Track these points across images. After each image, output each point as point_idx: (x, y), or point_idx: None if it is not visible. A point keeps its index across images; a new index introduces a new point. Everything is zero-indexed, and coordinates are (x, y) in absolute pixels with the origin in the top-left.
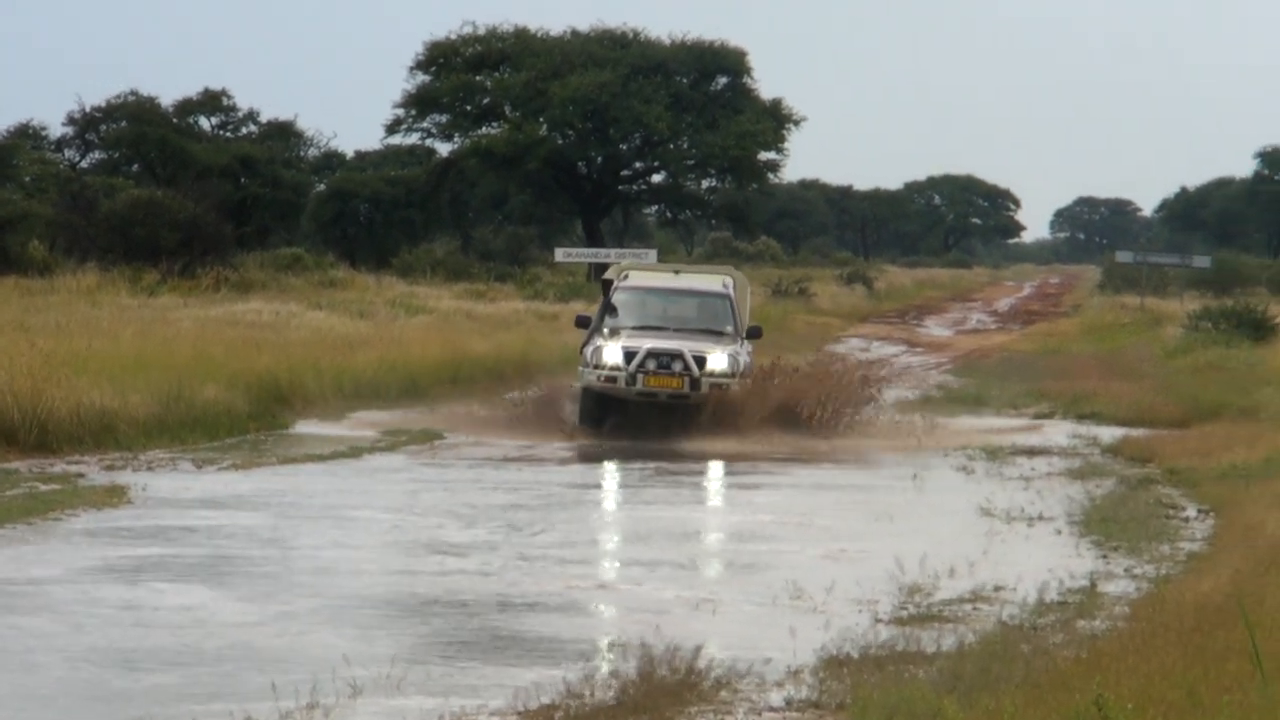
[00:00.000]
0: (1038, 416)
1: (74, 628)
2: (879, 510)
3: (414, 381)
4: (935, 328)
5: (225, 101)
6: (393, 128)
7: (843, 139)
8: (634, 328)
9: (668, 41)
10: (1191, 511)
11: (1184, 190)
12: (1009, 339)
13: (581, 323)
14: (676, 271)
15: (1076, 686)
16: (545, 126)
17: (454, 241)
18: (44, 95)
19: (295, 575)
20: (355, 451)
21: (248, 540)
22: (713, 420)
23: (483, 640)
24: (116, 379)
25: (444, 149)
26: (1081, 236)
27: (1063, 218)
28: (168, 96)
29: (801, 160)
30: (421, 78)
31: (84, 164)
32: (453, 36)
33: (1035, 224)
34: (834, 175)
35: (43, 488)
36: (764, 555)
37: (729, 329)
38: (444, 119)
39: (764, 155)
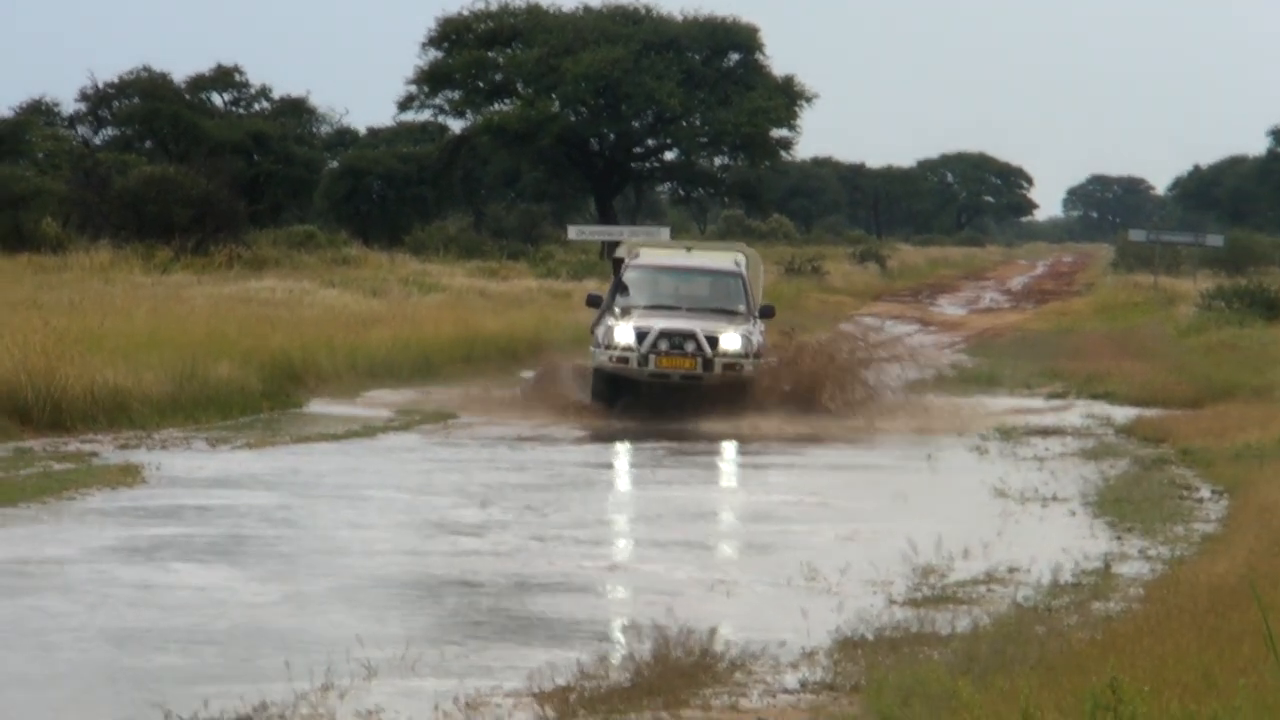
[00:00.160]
0: (1051, 396)
1: (88, 607)
2: (893, 491)
3: (427, 360)
4: (948, 306)
5: (238, 78)
6: (405, 104)
7: (855, 116)
8: (646, 307)
9: (680, 18)
10: (1205, 492)
11: (1197, 169)
12: (1022, 318)
13: (592, 302)
14: (688, 249)
15: (1091, 668)
16: (558, 103)
17: (467, 219)
18: (56, 72)
19: (309, 555)
20: (369, 430)
21: (261, 520)
22: (725, 400)
23: (497, 621)
24: (130, 357)
25: (456, 125)
26: (1094, 215)
27: (1076, 196)
28: (180, 73)
29: (814, 137)
30: (434, 54)
31: (97, 140)
32: (465, 13)
33: (1048, 202)
34: (847, 153)
35: (57, 466)
36: (778, 536)
37: (742, 308)
38: (456, 95)
39: (776, 132)
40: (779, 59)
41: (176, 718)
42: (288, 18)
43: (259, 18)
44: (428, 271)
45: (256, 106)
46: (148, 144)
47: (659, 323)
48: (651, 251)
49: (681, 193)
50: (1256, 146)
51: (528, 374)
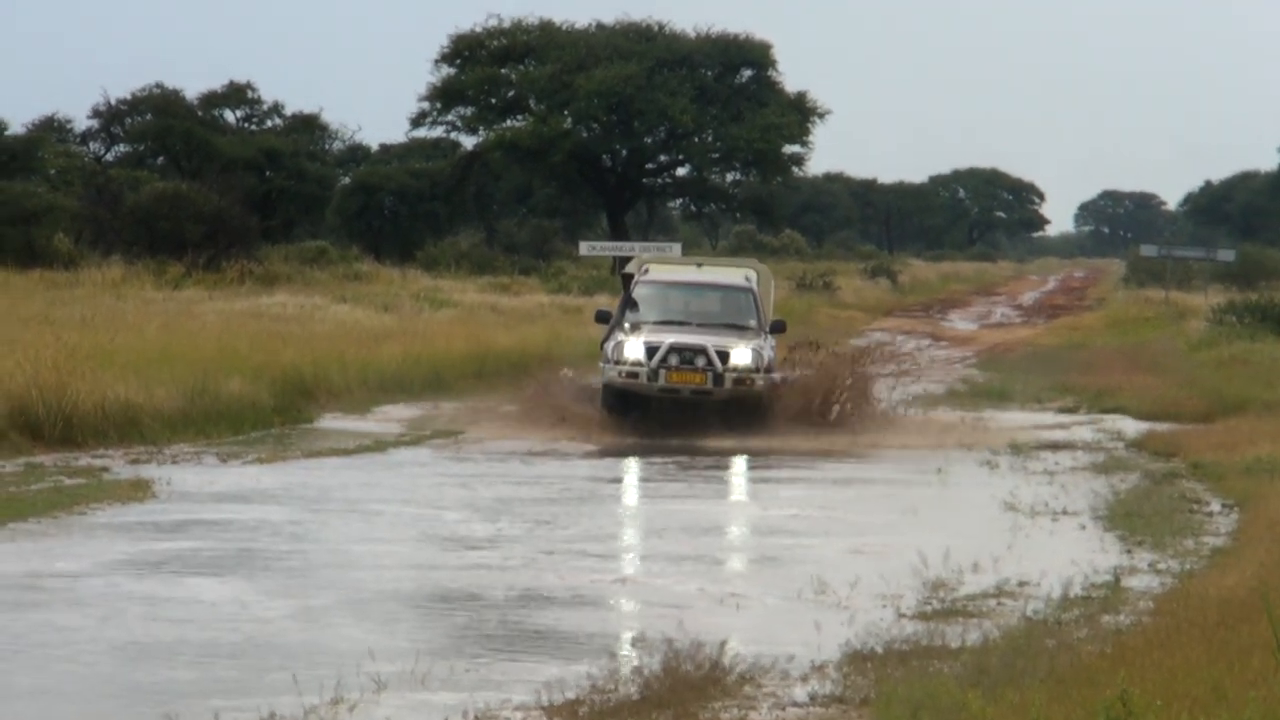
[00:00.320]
0: (1062, 411)
1: (98, 621)
2: (903, 505)
3: (438, 375)
4: (959, 321)
5: (250, 94)
6: (417, 121)
7: (867, 132)
8: (656, 322)
9: (693, 34)
10: (1216, 506)
11: (1208, 184)
12: (1033, 333)
13: (602, 318)
14: (699, 265)
15: (1101, 681)
16: (570, 119)
17: (478, 234)
18: (69, 88)
19: (319, 569)
20: (380, 445)
21: (272, 534)
22: (736, 415)
23: (507, 635)
24: (141, 372)
25: (469, 142)
26: (1106, 230)
27: (1087, 211)
28: (193, 89)
29: (826, 153)
30: (446, 70)
31: (109, 157)
32: (477, 29)
33: (1059, 218)
34: (858, 169)
35: (68, 481)
36: (787, 550)
37: (752, 323)
38: (469, 112)
39: (788, 148)
40: (791, 75)
41: None
42: (300, 34)
43: (271, 34)
44: (439, 287)
45: (269, 123)
46: (160, 160)
47: (669, 338)
48: (661, 267)
49: (693, 208)
50: (1268, 162)
51: (535, 388)
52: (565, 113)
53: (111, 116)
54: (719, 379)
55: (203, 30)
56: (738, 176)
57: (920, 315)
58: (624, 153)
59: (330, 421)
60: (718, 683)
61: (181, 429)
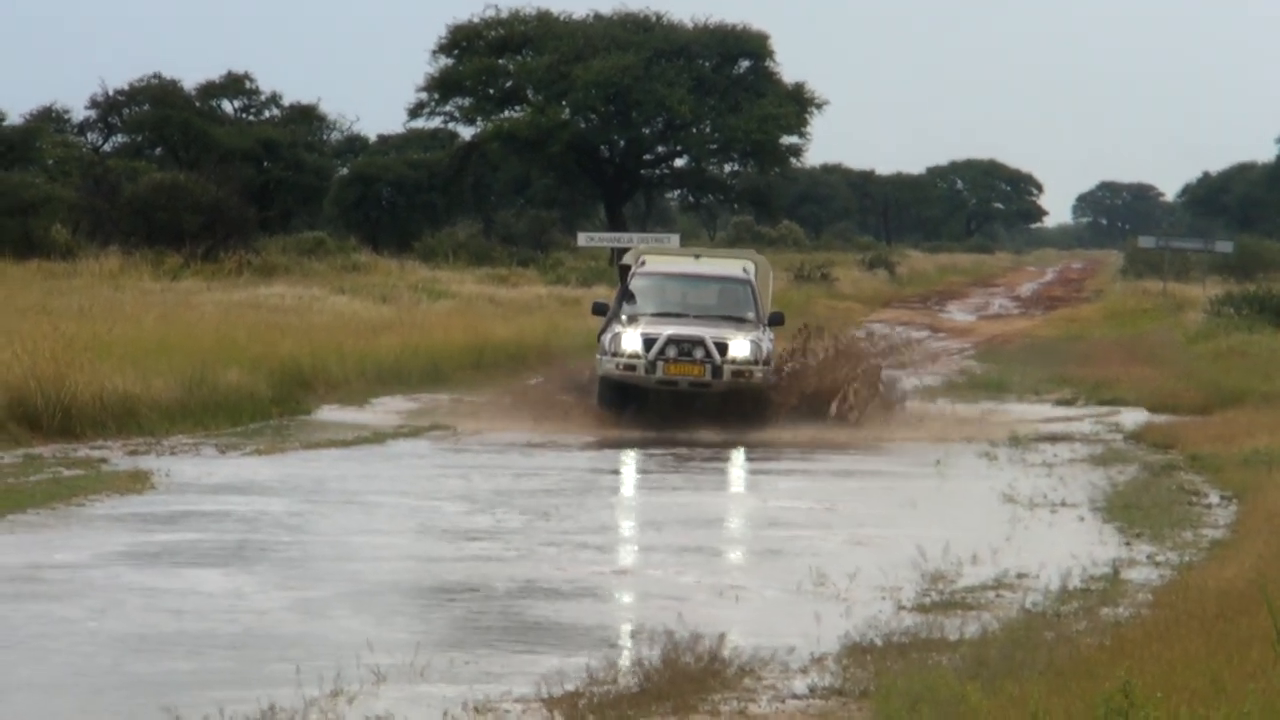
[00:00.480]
0: (1060, 402)
1: (98, 612)
2: (902, 497)
3: (436, 366)
4: (957, 313)
5: (248, 85)
6: (415, 111)
7: (865, 123)
8: (653, 314)
9: (690, 25)
10: (1214, 498)
11: (1206, 175)
12: (1031, 324)
13: (599, 310)
14: (697, 256)
15: (1100, 674)
16: (568, 110)
17: (476, 225)
18: (67, 79)
19: (318, 561)
20: (378, 437)
21: (271, 526)
22: (734, 408)
23: (506, 626)
24: (139, 363)
25: (466, 132)
26: (1104, 221)
27: (1085, 202)
28: (190, 80)
29: (824, 144)
30: (444, 61)
31: (107, 147)
32: (475, 20)
33: (1057, 209)
34: (856, 159)
35: (66, 473)
36: (787, 542)
37: (751, 315)
38: (466, 102)
39: (786, 139)
40: (789, 66)
41: None
42: (298, 25)
43: (269, 25)
44: (437, 278)
45: (267, 113)
46: (158, 151)
47: (667, 329)
48: (659, 259)
49: (691, 199)
50: (1266, 153)
51: (537, 379)
52: (563, 103)
53: (109, 107)
54: (717, 371)
55: (200, 21)
56: (735, 167)
57: (918, 306)
58: (622, 143)
59: (328, 413)
60: (717, 675)
61: (180, 420)
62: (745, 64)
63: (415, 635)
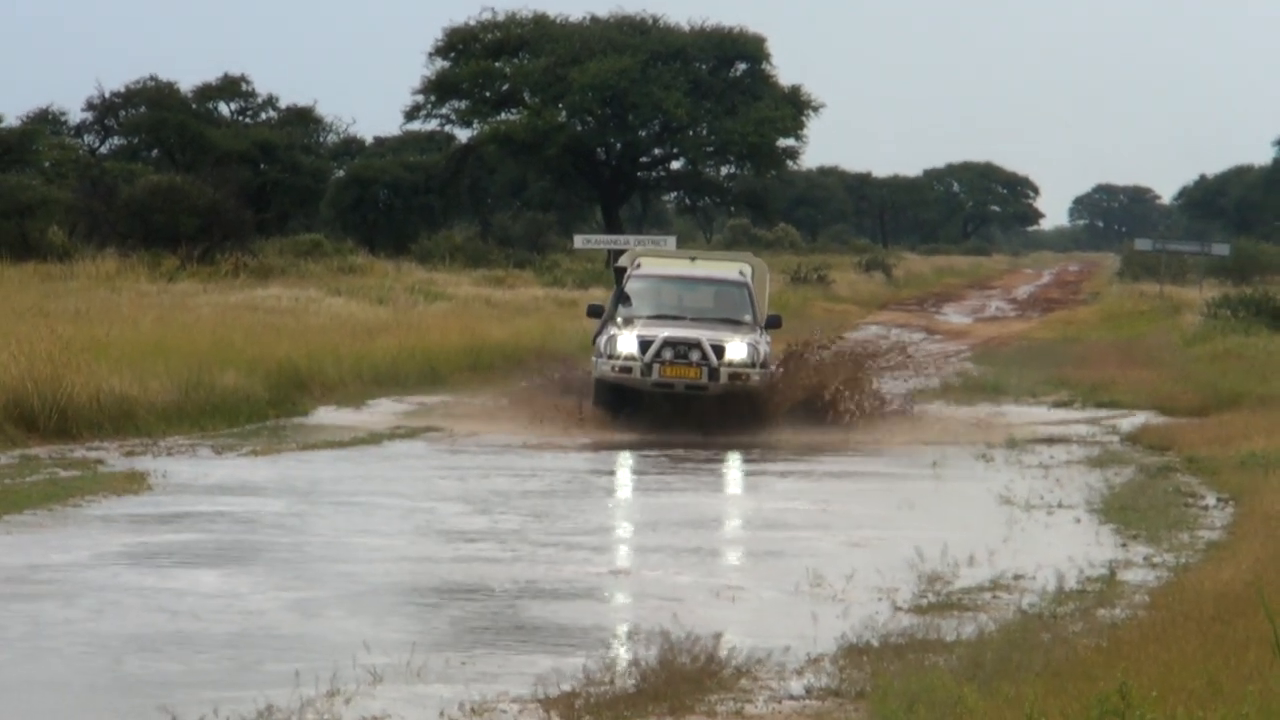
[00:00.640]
0: (1056, 405)
1: (94, 613)
2: (899, 498)
3: (433, 368)
4: (954, 315)
5: (244, 87)
6: (412, 114)
7: (862, 126)
8: (649, 317)
9: (687, 28)
10: (1211, 500)
11: (1203, 178)
12: (1028, 326)
13: (593, 312)
14: (692, 259)
15: (1097, 675)
16: (564, 113)
17: (473, 228)
18: (64, 81)
19: (315, 561)
20: (375, 438)
21: (267, 527)
22: (731, 411)
23: (503, 627)
24: (136, 365)
25: (463, 135)
26: (1100, 224)
27: (1082, 205)
28: (187, 82)
29: (820, 147)
30: (441, 64)
31: (103, 150)
32: (472, 22)
33: (1054, 211)
34: (853, 162)
35: (63, 474)
36: (783, 543)
37: (747, 318)
38: (463, 105)
39: (783, 142)
40: (785, 69)
41: None
42: (294, 27)
43: (266, 27)
44: (434, 280)
45: (263, 116)
46: (154, 153)
47: (663, 332)
48: (654, 261)
49: (688, 202)
50: (1262, 156)
51: (532, 381)
52: (559, 106)
53: (106, 109)
54: (714, 374)
55: (197, 23)
56: (732, 170)
57: (915, 309)
58: (618, 146)
59: (325, 414)
60: (713, 675)
61: (176, 421)
62: (742, 67)
63: (412, 636)
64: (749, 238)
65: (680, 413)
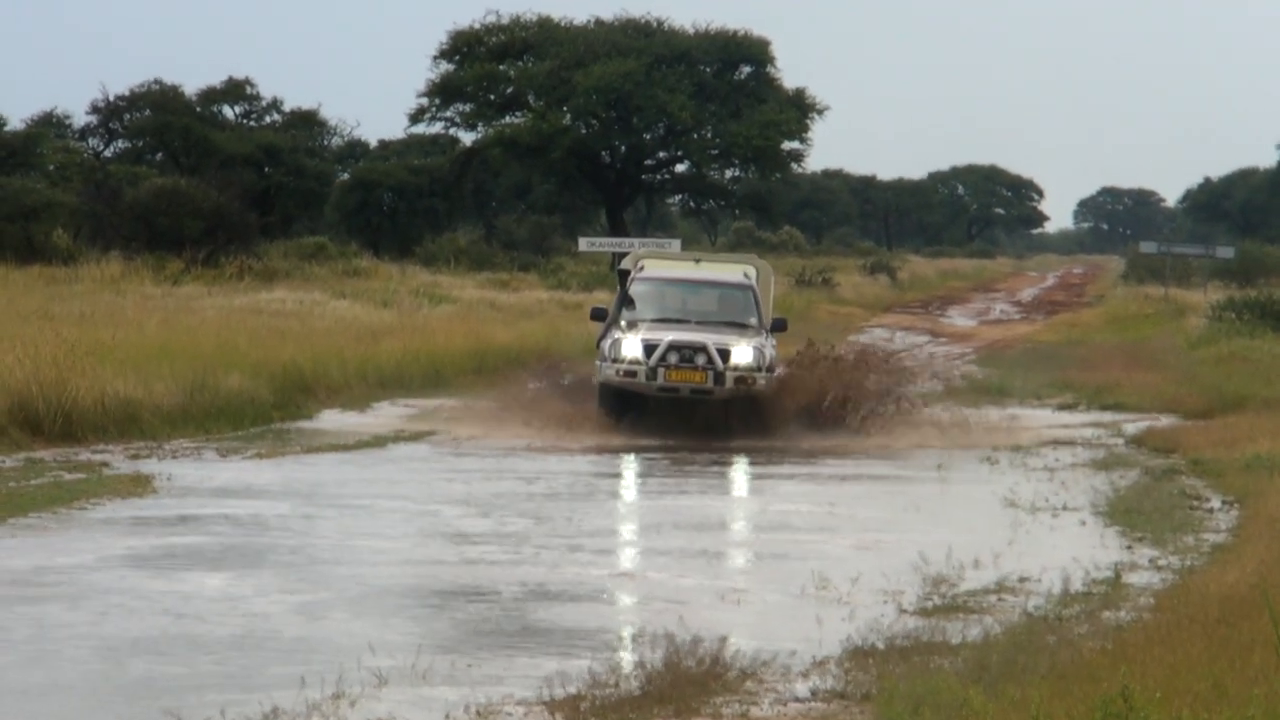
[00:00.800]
0: (1061, 407)
1: (99, 616)
2: (904, 501)
3: (438, 371)
4: (959, 318)
5: (249, 90)
6: (416, 117)
7: (866, 129)
8: (654, 320)
9: (691, 31)
10: (1216, 502)
11: (1208, 181)
12: (1032, 329)
13: (597, 316)
14: (697, 261)
15: (1102, 677)
16: (569, 116)
17: (477, 231)
18: (68, 84)
19: (320, 564)
20: (379, 441)
21: (272, 530)
22: (737, 415)
23: (508, 630)
24: (141, 368)
25: (468, 138)
26: (1105, 227)
27: (1086, 208)
28: (191, 85)
29: (825, 150)
30: (445, 67)
31: (108, 153)
32: (476, 26)
33: (1059, 214)
34: (857, 165)
35: (68, 477)
36: (789, 545)
37: (753, 321)
38: (468, 108)
39: (787, 145)
40: (790, 72)
41: None
42: (299, 31)
43: (270, 31)
44: (438, 283)
45: (268, 119)
46: (159, 156)
47: (668, 335)
48: (658, 264)
49: (692, 205)
50: (1267, 159)
51: (536, 385)
52: (564, 109)
53: (110, 112)
54: (719, 378)
55: (201, 26)
56: (736, 173)
57: (919, 312)
58: (623, 149)
59: (329, 417)
60: (719, 678)
61: (181, 424)
62: (746, 70)
63: (417, 638)
64: (754, 240)
65: (685, 417)
